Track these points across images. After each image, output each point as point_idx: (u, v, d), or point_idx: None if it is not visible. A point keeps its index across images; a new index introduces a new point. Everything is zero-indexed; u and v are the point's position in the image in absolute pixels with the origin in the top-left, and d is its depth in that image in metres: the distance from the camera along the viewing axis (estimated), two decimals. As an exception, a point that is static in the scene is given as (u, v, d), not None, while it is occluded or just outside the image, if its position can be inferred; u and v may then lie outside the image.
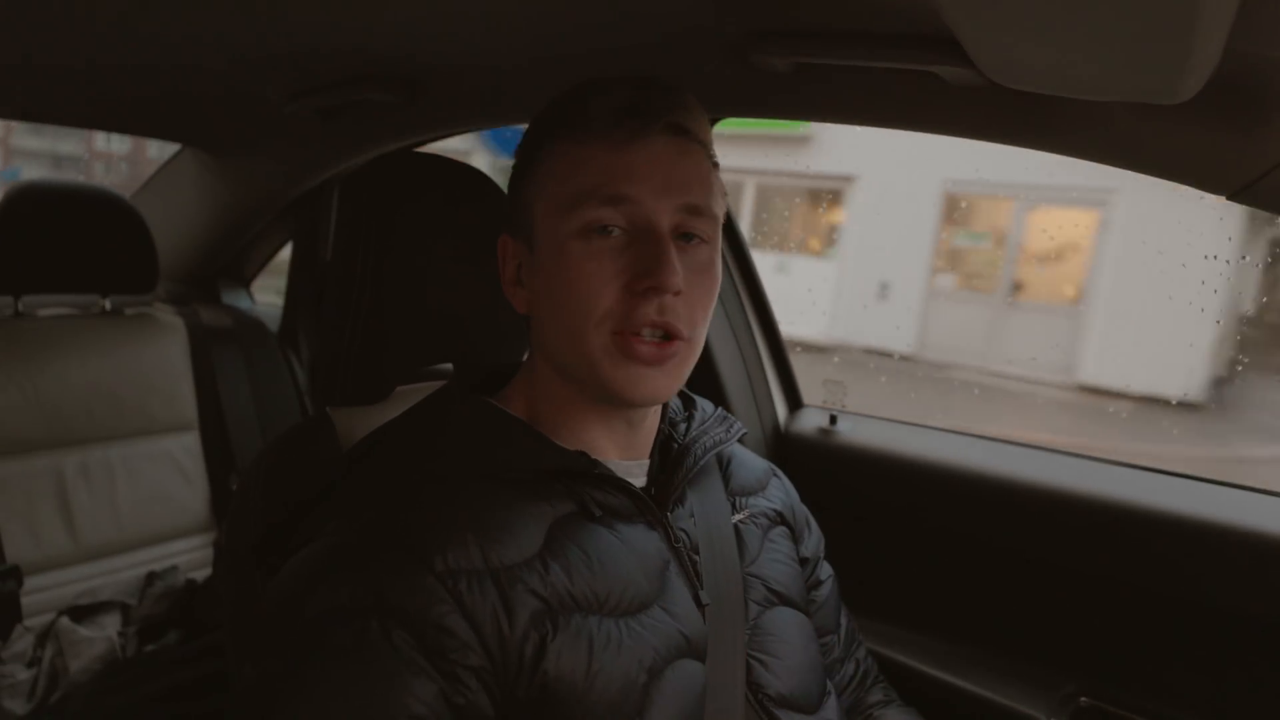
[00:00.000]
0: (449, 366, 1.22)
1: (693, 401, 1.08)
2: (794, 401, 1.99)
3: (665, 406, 1.02)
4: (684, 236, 0.85)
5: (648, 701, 0.79)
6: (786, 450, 1.86)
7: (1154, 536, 1.33)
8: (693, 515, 0.97)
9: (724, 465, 1.09)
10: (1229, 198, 0.98)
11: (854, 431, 1.80)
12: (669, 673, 0.82)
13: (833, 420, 1.83)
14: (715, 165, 0.91)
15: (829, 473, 1.75)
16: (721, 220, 0.90)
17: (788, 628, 1.00)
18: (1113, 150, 1.06)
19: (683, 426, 1.03)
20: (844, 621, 1.18)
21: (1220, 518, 1.28)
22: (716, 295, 0.89)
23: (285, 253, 2.57)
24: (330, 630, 0.70)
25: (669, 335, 0.83)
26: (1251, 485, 1.37)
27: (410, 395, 1.07)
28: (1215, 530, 1.28)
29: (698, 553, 0.93)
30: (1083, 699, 1.38)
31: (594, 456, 0.87)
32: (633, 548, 0.86)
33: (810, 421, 1.89)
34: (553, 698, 0.75)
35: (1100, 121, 1.00)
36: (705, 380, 1.81)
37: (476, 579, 0.75)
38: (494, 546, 0.77)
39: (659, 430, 0.99)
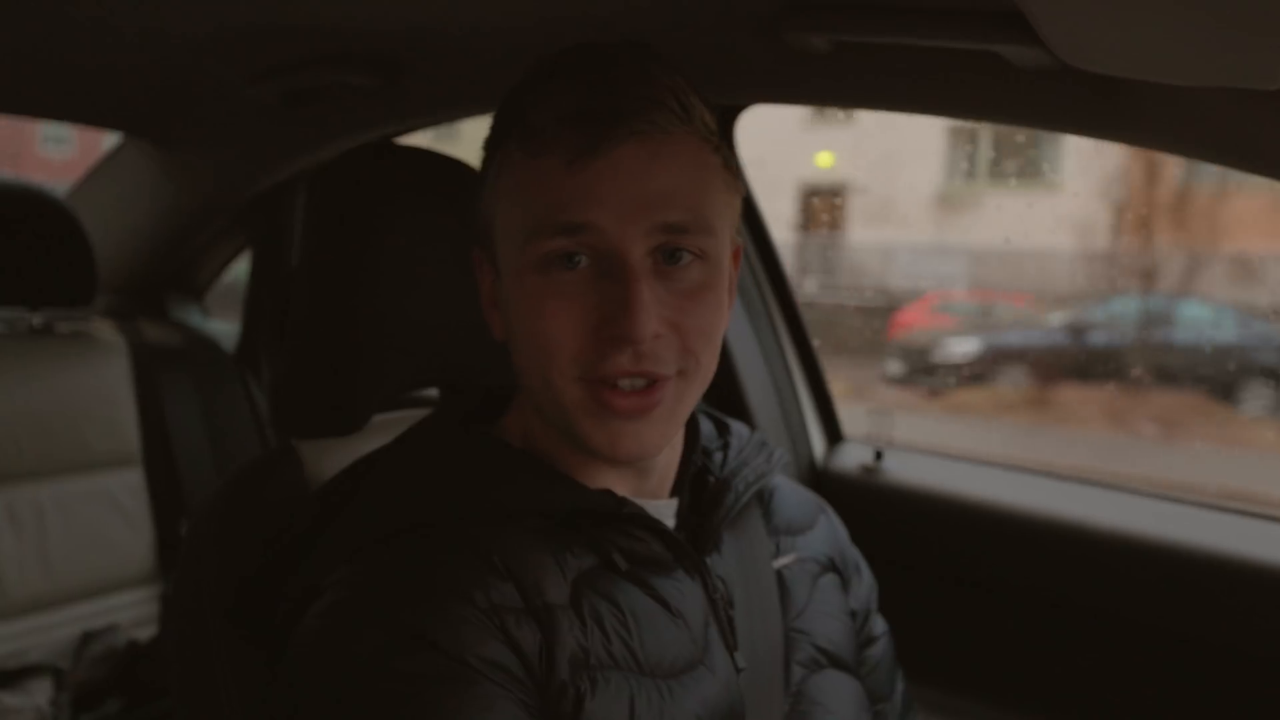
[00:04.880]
0: (434, 393, 1.22)
1: (726, 426, 1.04)
2: (833, 434, 1.99)
3: (695, 436, 0.98)
4: (670, 257, 0.79)
5: None
6: (825, 490, 1.84)
7: (1245, 589, 1.32)
8: (731, 561, 0.94)
9: (765, 500, 1.06)
10: None
11: (902, 469, 1.80)
12: None
13: (878, 456, 1.83)
14: (722, 155, 0.84)
15: (873, 516, 1.73)
16: (731, 226, 0.86)
17: (837, 694, 0.97)
18: (1203, 143, 1.06)
19: (718, 456, 0.99)
20: (899, 685, 1.15)
21: None
22: (725, 314, 0.84)
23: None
24: (388, 666, 0.71)
25: (654, 380, 0.79)
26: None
27: (391, 426, 1.06)
28: None
29: (733, 606, 0.91)
30: None
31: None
32: (670, 605, 0.84)
33: (852, 457, 1.89)
34: None
35: (1188, 110, 1.00)
36: (731, 410, 1.80)
37: (519, 616, 0.76)
38: (529, 590, 0.77)
39: (690, 462, 0.96)
